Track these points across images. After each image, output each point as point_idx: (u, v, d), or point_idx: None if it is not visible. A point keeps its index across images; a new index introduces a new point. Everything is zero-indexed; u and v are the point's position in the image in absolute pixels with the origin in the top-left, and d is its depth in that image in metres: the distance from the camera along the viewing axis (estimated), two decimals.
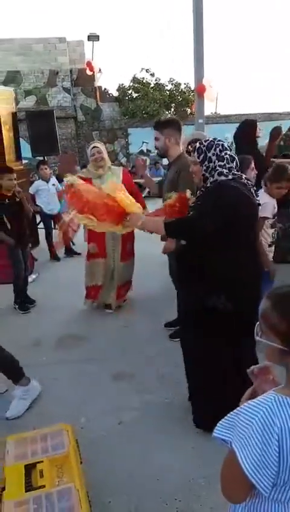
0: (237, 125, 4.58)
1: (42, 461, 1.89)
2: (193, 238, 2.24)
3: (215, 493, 1.99)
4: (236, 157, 2.23)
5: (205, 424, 2.35)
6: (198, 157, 2.17)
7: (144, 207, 4.28)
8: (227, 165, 2.15)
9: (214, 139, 2.20)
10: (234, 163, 2.19)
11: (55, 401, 2.79)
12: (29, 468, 1.86)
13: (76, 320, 4.13)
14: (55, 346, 3.61)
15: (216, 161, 2.13)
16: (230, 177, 2.13)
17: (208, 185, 2.16)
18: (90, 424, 2.54)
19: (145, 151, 15.38)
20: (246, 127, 4.39)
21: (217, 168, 2.13)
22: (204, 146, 2.17)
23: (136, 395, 2.81)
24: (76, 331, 3.87)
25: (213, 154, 2.14)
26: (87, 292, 4.26)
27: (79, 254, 6.22)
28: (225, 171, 2.13)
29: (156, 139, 3.27)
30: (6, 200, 4.13)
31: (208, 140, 2.20)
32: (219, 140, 2.19)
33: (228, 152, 2.18)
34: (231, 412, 0.94)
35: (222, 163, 2.14)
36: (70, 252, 6.53)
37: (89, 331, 3.83)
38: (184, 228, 2.24)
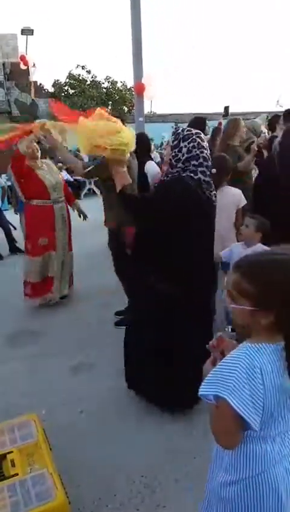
0: (173, 124, 4.77)
1: (12, 451, 1.90)
2: (134, 217, 2.35)
3: (179, 466, 2.14)
4: (209, 159, 2.25)
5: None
6: (172, 141, 2.21)
7: (73, 200, 4.40)
8: (195, 164, 2.17)
9: (197, 132, 2.22)
10: (204, 165, 2.21)
11: (14, 397, 2.78)
12: None
13: (27, 316, 4.08)
14: (8, 344, 3.56)
15: (185, 154, 2.17)
16: (191, 175, 2.16)
17: (170, 175, 2.23)
18: (52, 416, 2.55)
19: None
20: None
21: (184, 163, 2.17)
22: (182, 134, 2.20)
23: (96, 384, 2.88)
24: (29, 327, 3.84)
25: (185, 146, 2.18)
26: (36, 288, 4.15)
27: (23, 252, 6.09)
28: (192, 169, 2.17)
29: None
30: None
31: (190, 131, 2.22)
32: (199, 136, 2.21)
33: (205, 151, 2.20)
34: (212, 371, 1.08)
35: (192, 161, 2.17)
36: (14, 250, 6.40)
37: (42, 326, 3.81)
38: (131, 207, 2.33)
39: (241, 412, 1.01)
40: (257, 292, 1.07)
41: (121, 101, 16.03)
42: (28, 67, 14.23)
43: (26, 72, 14.55)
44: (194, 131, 2.25)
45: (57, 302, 4.22)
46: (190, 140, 2.19)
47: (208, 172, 2.24)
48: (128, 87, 15.67)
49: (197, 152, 2.18)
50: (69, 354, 3.30)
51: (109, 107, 16.01)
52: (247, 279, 1.09)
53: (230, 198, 3.26)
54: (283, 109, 4.72)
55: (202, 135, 2.28)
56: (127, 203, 2.38)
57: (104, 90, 15.96)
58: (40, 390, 2.84)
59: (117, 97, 15.99)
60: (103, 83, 16.12)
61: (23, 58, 14.05)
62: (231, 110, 9.40)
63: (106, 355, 3.20)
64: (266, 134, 5.18)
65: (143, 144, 3.87)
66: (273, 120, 5.17)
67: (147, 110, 17.04)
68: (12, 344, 3.56)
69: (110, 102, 16.03)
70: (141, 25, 8.04)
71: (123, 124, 3.38)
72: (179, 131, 2.23)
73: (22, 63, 13.99)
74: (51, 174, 4.09)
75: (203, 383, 1.06)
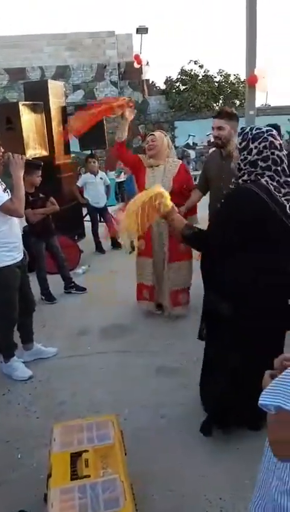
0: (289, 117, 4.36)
1: (87, 451, 1.90)
2: (205, 250, 2.24)
3: None
4: (285, 160, 1.97)
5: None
6: (239, 143, 1.98)
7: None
8: (268, 167, 1.94)
9: (267, 130, 1.96)
10: (280, 167, 1.95)
11: (100, 390, 2.84)
12: (75, 457, 1.88)
13: (122, 311, 4.15)
14: (100, 336, 3.68)
15: (256, 156, 1.94)
16: (263, 182, 1.92)
17: (240, 181, 2.01)
18: (134, 416, 2.54)
19: (191, 144, 15.19)
20: None
21: (254, 166, 1.96)
22: (251, 134, 1.96)
23: (180, 391, 2.78)
24: (121, 321, 3.92)
25: (255, 147, 1.93)
26: (138, 290, 4.02)
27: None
28: (265, 173, 1.94)
29: (221, 128, 3.20)
30: (30, 197, 4.12)
31: (260, 129, 1.98)
32: (271, 135, 1.96)
33: (276, 152, 1.94)
34: (274, 381, 1.00)
35: (263, 164, 1.94)
36: (116, 245, 6.57)
37: (135, 324, 3.85)
38: (198, 244, 2.26)
39: None
40: None
41: (233, 95, 15.53)
42: (141, 66, 14.61)
43: (140, 71, 14.94)
44: (264, 129, 1.98)
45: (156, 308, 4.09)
46: (260, 140, 1.94)
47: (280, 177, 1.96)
48: (241, 79, 15.09)
49: (266, 152, 1.93)
50: (157, 355, 3.26)
51: (220, 101, 15.62)
52: None
53: None
54: None
55: (274, 132, 1.99)
56: (191, 244, 2.39)
57: (215, 84, 15.60)
58: (125, 388, 2.86)
59: (229, 91, 15.52)
60: (215, 77, 15.76)
61: (136, 57, 14.44)
62: None
63: (192, 362, 3.07)
64: None
65: None
66: None
67: (261, 102, 16.30)
68: (101, 337, 3.67)
69: (221, 97, 15.63)
70: (256, 15, 7.62)
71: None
72: (247, 130, 1.99)
73: (135, 62, 14.42)
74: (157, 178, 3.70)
75: (264, 393, 0.98)
